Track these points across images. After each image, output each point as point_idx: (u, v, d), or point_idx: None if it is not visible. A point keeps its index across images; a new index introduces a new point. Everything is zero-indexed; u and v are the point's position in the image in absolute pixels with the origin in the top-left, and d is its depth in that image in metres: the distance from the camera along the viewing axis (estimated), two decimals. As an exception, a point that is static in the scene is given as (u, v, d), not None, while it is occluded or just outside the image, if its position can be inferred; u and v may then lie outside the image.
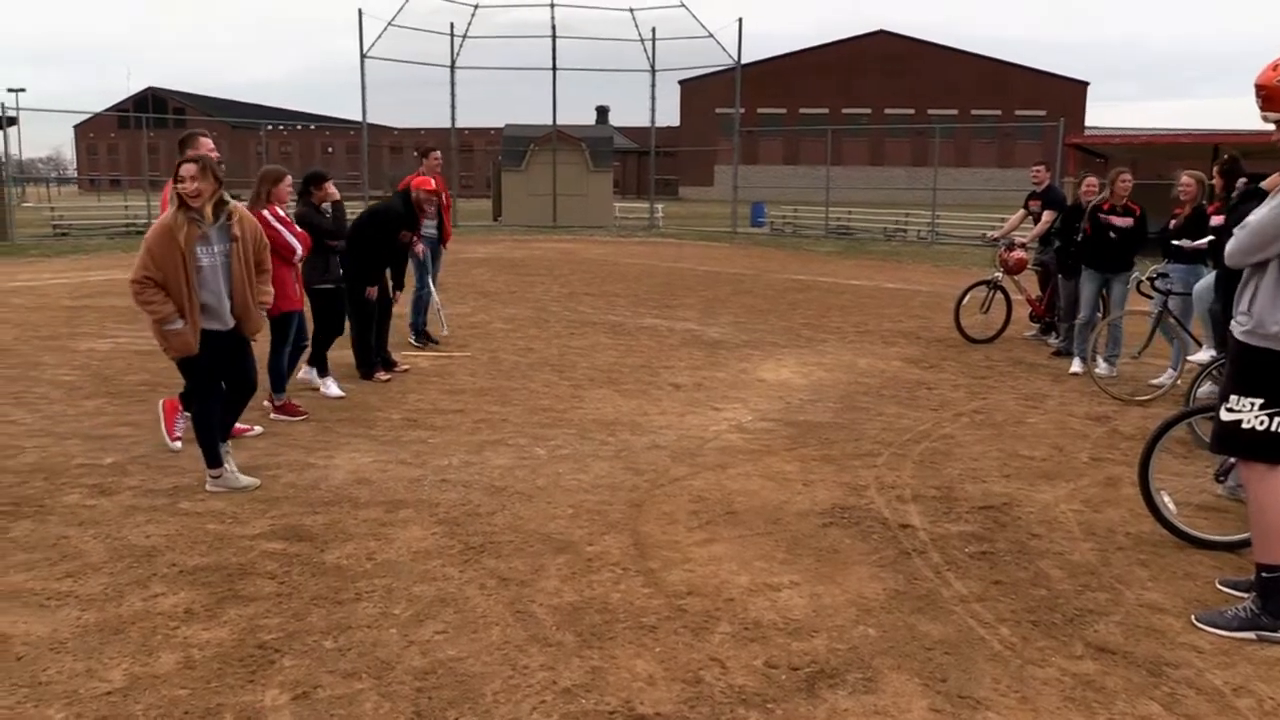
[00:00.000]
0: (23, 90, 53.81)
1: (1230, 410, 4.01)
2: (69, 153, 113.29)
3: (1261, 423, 3.92)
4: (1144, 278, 8.10)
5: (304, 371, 7.81)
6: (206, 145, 6.35)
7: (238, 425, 6.45)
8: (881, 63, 71.94)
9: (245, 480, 5.52)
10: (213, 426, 5.50)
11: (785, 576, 4.37)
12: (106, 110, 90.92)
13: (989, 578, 4.40)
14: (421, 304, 9.99)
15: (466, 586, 4.21)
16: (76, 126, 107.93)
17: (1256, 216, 3.95)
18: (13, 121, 25.08)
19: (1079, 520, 5.20)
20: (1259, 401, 3.92)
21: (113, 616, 3.91)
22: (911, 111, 70.17)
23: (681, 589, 4.21)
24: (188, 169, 5.17)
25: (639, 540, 4.78)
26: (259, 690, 3.35)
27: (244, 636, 3.74)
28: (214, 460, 5.47)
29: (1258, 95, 3.91)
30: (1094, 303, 9.11)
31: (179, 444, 6.29)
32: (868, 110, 71.44)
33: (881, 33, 73.75)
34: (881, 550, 4.72)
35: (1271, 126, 3.97)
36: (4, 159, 25.80)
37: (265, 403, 7.05)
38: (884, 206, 37.71)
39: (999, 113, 69.40)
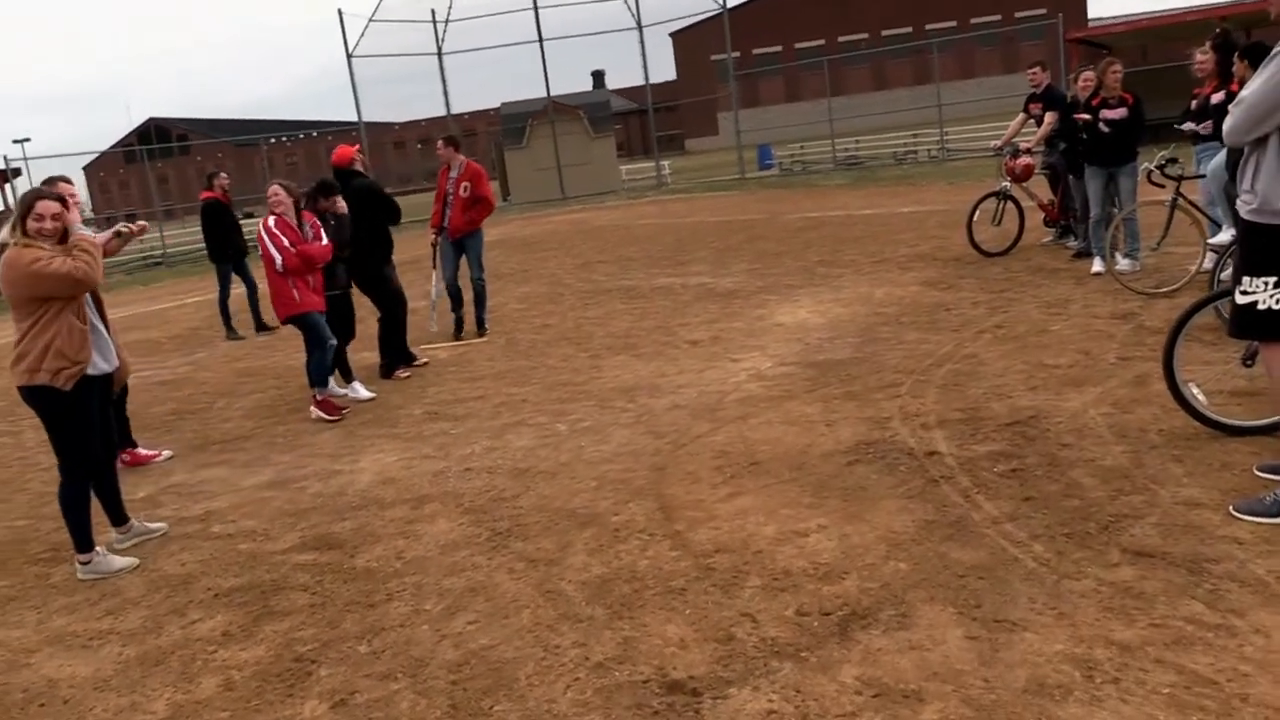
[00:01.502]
0: (28, 140, 54.29)
1: (1244, 293, 3.89)
2: (82, 195, 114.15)
3: (1278, 301, 3.80)
4: (1152, 166, 7.89)
5: (332, 385, 7.80)
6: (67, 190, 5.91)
7: (144, 452, 6.70)
8: (872, -17, 70.59)
9: (121, 561, 4.90)
10: (81, 503, 4.90)
11: (813, 521, 4.32)
12: (112, 147, 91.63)
13: (1019, 495, 4.33)
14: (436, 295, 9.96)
15: (495, 573, 4.21)
16: (86, 167, 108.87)
17: (1249, 90, 3.81)
18: (17, 173, 25.28)
19: (1109, 424, 5.11)
20: (1272, 280, 3.80)
21: (153, 648, 3.96)
22: (909, 30, 68.80)
23: (709, 548, 4.18)
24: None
25: (664, 504, 4.75)
26: (298, 703, 3.38)
27: (281, 651, 3.77)
28: (84, 544, 4.86)
29: None
30: (1102, 199, 8.92)
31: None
32: (864, 35, 70.22)
33: (867, -47, 72.26)
34: (909, 481, 4.66)
35: None
36: (11, 209, 26.03)
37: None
38: (891, 130, 37.16)
39: (999, 17, 67.87)
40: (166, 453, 6.88)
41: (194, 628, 4.10)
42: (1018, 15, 66.92)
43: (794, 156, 33.34)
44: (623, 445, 5.74)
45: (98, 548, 4.94)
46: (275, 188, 7.06)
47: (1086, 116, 8.80)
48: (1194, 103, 8.39)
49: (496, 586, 4.07)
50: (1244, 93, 3.84)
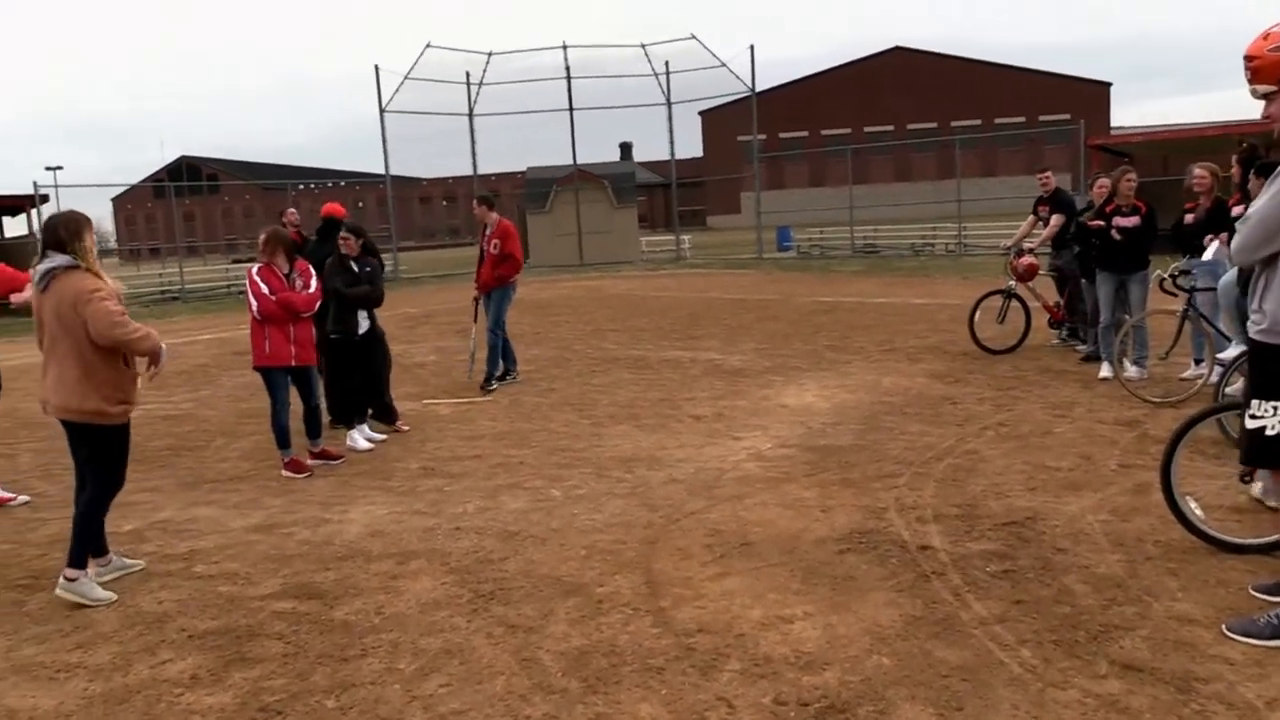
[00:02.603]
0: (60, 168, 55.08)
1: (1254, 417, 3.82)
2: (109, 225, 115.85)
3: None
4: (1165, 275, 7.91)
5: (348, 440, 7.81)
6: None
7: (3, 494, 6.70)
8: (899, 79, 71.87)
9: (102, 594, 4.86)
10: (101, 523, 5.11)
11: (799, 608, 4.26)
12: (142, 181, 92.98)
13: (1010, 597, 4.27)
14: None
15: (474, 636, 4.14)
16: (114, 199, 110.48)
17: (1257, 206, 3.81)
18: (45, 199, 25.64)
19: (1106, 531, 5.05)
20: None
21: (119, 686, 3.89)
22: (934, 125, 69.88)
23: (691, 627, 4.11)
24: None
25: (651, 578, 4.70)
26: (259, 756, 3.31)
27: (247, 700, 3.70)
28: (80, 560, 4.91)
29: (1247, 67, 3.72)
30: (1113, 305, 8.94)
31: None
32: (890, 127, 71.30)
33: (897, 49, 73.73)
34: (899, 574, 4.59)
35: (1261, 102, 3.79)
36: (39, 237, 26.35)
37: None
38: (912, 222, 37.47)
39: (1023, 119, 68.86)
40: (23, 498, 6.78)
41: (163, 668, 4.03)
42: (1041, 118, 67.93)
43: (813, 240, 33.61)
44: (616, 515, 5.69)
45: (88, 571, 4.93)
46: (262, 232, 7.16)
47: (1100, 223, 8.86)
48: (1188, 215, 8.45)
49: (473, 650, 4.00)
50: (1252, 209, 3.84)
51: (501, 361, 10.19)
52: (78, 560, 4.90)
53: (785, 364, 10.73)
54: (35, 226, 26.30)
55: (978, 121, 68.98)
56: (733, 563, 4.85)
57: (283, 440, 7.08)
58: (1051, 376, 9.26)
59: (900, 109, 71.77)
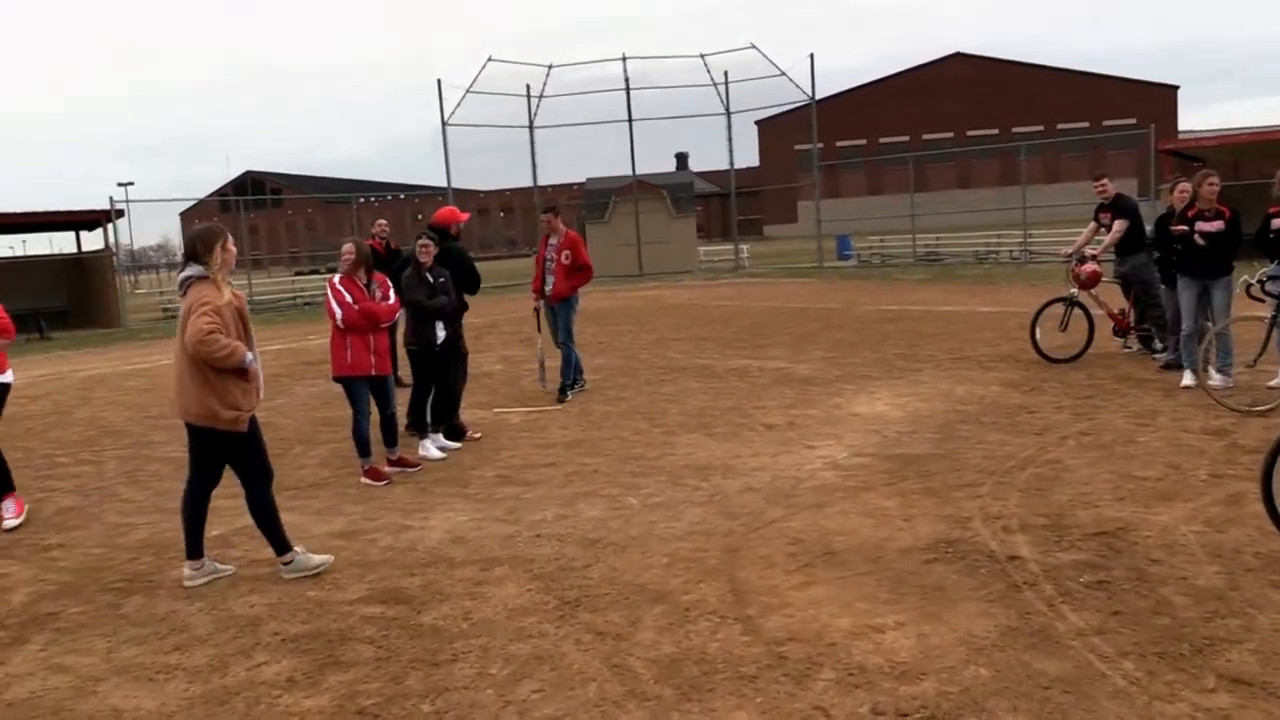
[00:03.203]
0: (131, 184, 56.57)
1: None
2: (176, 239, 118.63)
3: None
4: (1253, 281, 7.71)
5: (421, 449, 7.89)
6: None
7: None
8: (960, 85, 71.19)
9: (318, 559, 5.30)
10: (275, 509, 5.34)
11: (889, 617, 4.21)
12: (209, 196, 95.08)
13: (1107, 609, 4.17)
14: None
15: (563, 642, 4.16)
16: (182, 214, 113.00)
17: None
18: (120, 214, 26.32)
19: (1201, 542, 4.92)
20: None
21: (218, 688, 3.96)
22: (995, 132, 69.10)
23: (781, 635, 4.09)
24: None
25: (736, 586, 4.68)
26: (359, 758, 3.34)
27: (344, 703, 3.75)
28: (283, 545, 5.28)
29: None
30: (1194, 312, 8.73)
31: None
32: (950, 134, 70.61)
33: (957, 55, 73.01)
34: (990, 584, 4.52)
35: None
36: (115, 249, 27.06)
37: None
38: (973, 229, 37.01)
39: (1086, 125, 67.77)
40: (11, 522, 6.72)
41: (259, 670, 4.10)
42: (1106, 123, 66.76)
43: (873, 249, 33.33)
44: (695, 524, 5.68)
45: (296, 546, 5.31)
46: (348, 245, 7.22)
47: (1183, 228, 8.67)
48: (1275, 220, 8.23)
49: (563, 656, 4.02)
50: None
51: (561, 374, 10.21)
52: (281, 547, 5.27)
53: (854, 372, 10.64)
54: (111, 240, 27.02)
55: (1040, 127, 68.02)
56: (817, 571, 4.81)
57: (363, 449, 7.17)
58: (1131, 385, 9.07)
59: (960, 115, 71.05)
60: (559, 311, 9.97)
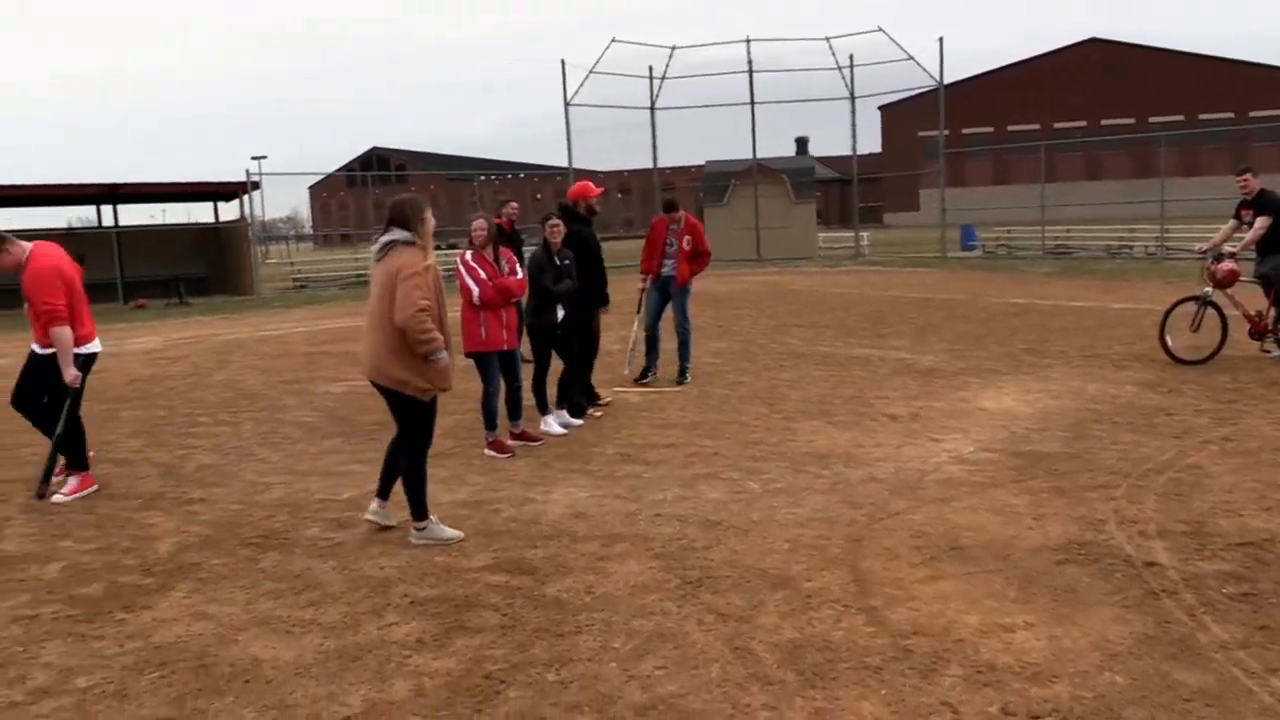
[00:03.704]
0: (264, 157, 58.76)
1: None
2: (305, 211, 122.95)
3: None
4: None
5: (543, 424, 7.99)
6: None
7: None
8: (1094, 72, 68.31)
9: (451, 532, 5.42)
10: (425, 475, 5.49)
11: (1019, 616, 4.11)
12: (336, 171, 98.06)
13: (1253, 622, 3.98)
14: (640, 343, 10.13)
15: (685, 622, 4.18)
16: (311, 187, 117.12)
17: None
18: (256, 186, 27.37)
19: (1359, 558, 4.65)
20: None
21: (351, 644, 4.11)
22: (1131, 121, 66.17)
23: (907, 628, 4.03)
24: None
25: (859, 576, 4.62)
26: (487, 721, 3.43)
27: (471, 667, 3.84)
28: (421, 511, 5.42)
29: None
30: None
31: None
32: (1082, 123, 67.91)
33: (1093, 41, 70.11)
34: (1125, 590, 4.36)
35: None
36: (250, 220, 28.17)
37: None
38: (1104, 222, 35.62)
39: (1231, 115, 64.36)
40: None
41: (390, 630, 4.24)
42: (1252, 114, 63.29)
43: (999, 240, 32.38)
44: (817, 511, 5.63)
45: (431, 516, 5.41)
46: (479, 220, 7.33)
47: None
48: None
49: (685, 635, 4.04)
50: None
51: (646, 357, 10.09)
52: (420, 513, 5.39)
53: (980, 366, 10.38)
54: (247, 211, 28.13)
55: (1180, 117, 64.91)
56: (944, 566, 4.72)
57: (490, 421, 7.31)
58: (1278, 390, 8.61)
59: (1094, 104, 68.24)
60: (677, 296, 9.92)
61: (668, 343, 10.32)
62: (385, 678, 3.79)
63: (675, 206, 9.89)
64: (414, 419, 5.39)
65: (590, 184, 8.93)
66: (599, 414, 8.51)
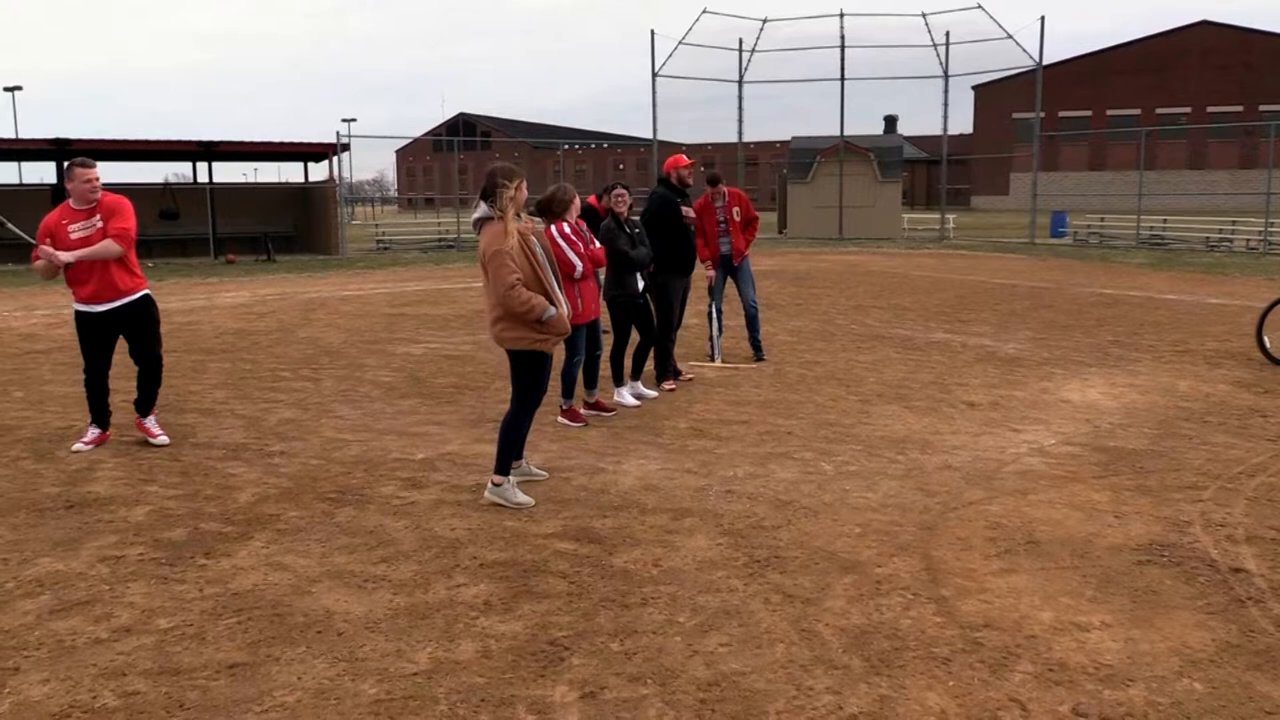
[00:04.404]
0: (354, 120, 59.84)
1: None
2: (391, 175, 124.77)
3: None
4: None
5: (617, 395, 8.01)
6: (83, 175, 6.50)
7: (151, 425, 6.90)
8: (1204, 56, 65.59)
9: (522, 498, 5.46)
10: (521, 436, 5.67)
11: (1095, 616, 4.00)
12: (423, 135, 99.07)
13: (1345, 636, 3.83)
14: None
15: (751, 600, 4.16)
16: (397, 151, 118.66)
17: None
18: (345, 148, 27.78)
19: None
20: None
21: (420, 603, 4.18)
22: (1240, 109, 63.56)
23: (977, 620, 3.95)
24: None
25: (930, 565, 4.55)
26: (549, 685, 3.46)
27: (536, 632, 3.88)
28: (504, 468, 5.55)
29: None
30: None
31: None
32: (1187, 109, 65.44)
33: (1204, 23, 67.34)
34: (1209, 595, 4.22)
35: None
36: (338, 181, 28.65)
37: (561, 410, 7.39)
38: (1204, 214, 34.37)
39: (1350, 105, 61.45)
40: (163, 438, 6.90)
41: (459, 591, 4.29)
42: (1375, 105, 60.36)
43: (1091, 228, 31.48)
44: (890, 496, 5.55)
45: (511, 476, 5.51)
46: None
47: None
48: None
49: (752, 614, 4.02)
50: None
51: (713, 341, 9.99)
52: (501, 467, 5.52)
53: (1066, 356, 10.11)
54: (336, 172, 28.62)
55: (1292, 106, 62.19)
56: (1018, 560, 4.62)
57: (569, 389, 7.34)
58: (1383, 396, 8.24)
59: (1201, 89, 65.60)
60: (742, 269, 9.77)
61: (731, 320, 10.25)
62: (452, 637, 3.85)
63: (719, 180, 9.74)
64: (529, 377, 5.50)
65: (682, 156, 8.90)
66: (673, 388, 8.48)
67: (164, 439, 6.88)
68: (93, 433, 6.87)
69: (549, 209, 6.96)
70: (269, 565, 4.63)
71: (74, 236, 6.46)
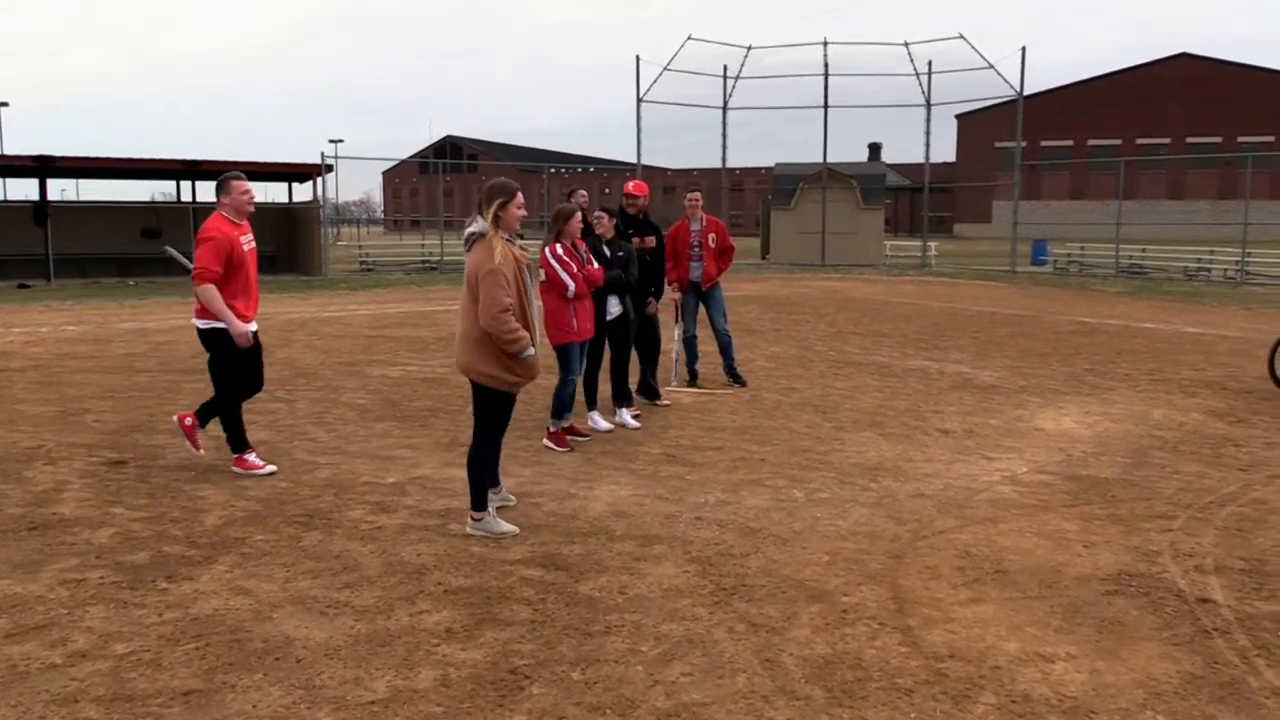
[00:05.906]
0: (341, 141, 59.86)
1: None
2: (377, 196, 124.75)
3: None
4: None
5: (590, 420, 7.98)
6: (240, 188, 6.62)
7: (252, 459, 6.68)
8: (1183, 88, 66.37)
9: (505, 527, 5.37)
10: (490, 467, 5.54)
11: (1061, 647, 3.99)
12: (410, 157, 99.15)
13: (1310, 669, 3.82)
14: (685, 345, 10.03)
15: (715, 629, 4.13)
16: (384, 173, 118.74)
17: None
18: (330, 169, 27.77)
19: None
20: None
21: (381, 629, 4.13)
22: (1218, 139, 64.31)
23: (942, 651, 3.93)
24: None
25: (898, 594, 4.53)
26: (507, 715, 3.41)
27: (498, 660, 3.83)
28: (480, 503, 5.42)
29: None
30: None
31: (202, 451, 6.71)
32: (1166, 140, 66.15)
33: (1183, 56, 68.21)
34: (1176, 626, 4.22)
35: None
36: (322, 203, 28.60)
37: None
38: (1183, 243, 34.68)
39: (1326, 137, 62.21)
40: (270, 467, 6.72)
41: (421, 618, 4.25)
42: (1350, 137, 61.16)
43: (1071, 257, 31.70)
44: (860, 524, 5.54)
45: (490, 509, 5.41)
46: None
47: None
48: None
49: (715, 643, 3.98)
50: None
51: (689, 367, 10.02)
52: (477, 503, 5.39)
53: (1042, 385, 10.14)
54: (320, 193, 28.57)
55: (1270, 138, 62.95)
56: (986, 589, 4.60)
57: (560, 411, 7.32)
58: (1355, 427, 8.28)
59: (1180, 121, 66.35)
60: (713, 296, 9.84)
61: (707, 345, 10.25)
62: (412, 665, 3.80)
63: (700, 189, 10.07)
64: (493, 410, 5.35)
65: (629, 184, 9.03)
66: (637, 414, 8.41)
67: (271, 468, 6.71)
68: (253, 457, 6.72)
69: (552, 224, 7.01)
70: (231, 590, 4.57)
71: (247, 249, 6.60)
